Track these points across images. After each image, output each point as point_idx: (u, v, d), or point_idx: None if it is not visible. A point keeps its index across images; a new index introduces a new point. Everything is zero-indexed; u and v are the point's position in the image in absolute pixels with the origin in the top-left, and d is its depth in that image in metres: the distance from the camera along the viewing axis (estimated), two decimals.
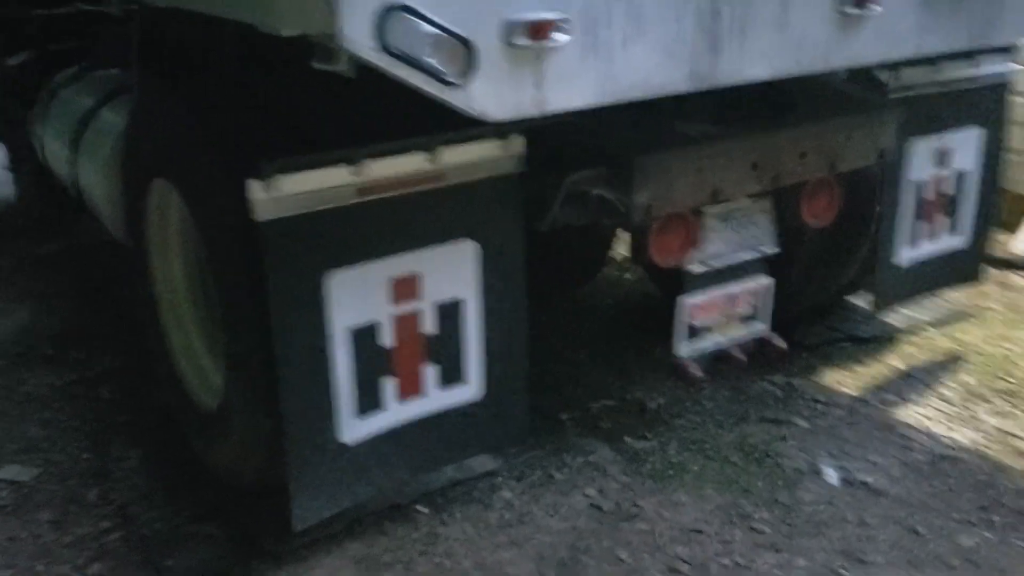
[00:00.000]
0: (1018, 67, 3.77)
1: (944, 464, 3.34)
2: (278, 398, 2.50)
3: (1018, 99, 4.39)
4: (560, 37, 2.06)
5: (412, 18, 1.87)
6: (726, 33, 2.30)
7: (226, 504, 3.09)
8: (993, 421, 3.60)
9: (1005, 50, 3.66)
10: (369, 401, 2.67)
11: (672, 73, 2.27)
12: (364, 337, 2.60)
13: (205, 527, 3.04)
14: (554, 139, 2.74)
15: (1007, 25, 2.90)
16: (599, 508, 3.15)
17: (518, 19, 2.01)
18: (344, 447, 2.65)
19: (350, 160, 2.42)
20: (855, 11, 2.46)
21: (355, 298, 2.55)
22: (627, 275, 4.96)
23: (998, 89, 3.78)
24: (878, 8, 2.49)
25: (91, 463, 3.42)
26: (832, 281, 3.99)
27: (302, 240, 2.42)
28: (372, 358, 2.63)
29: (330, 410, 2.59)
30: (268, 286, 2.41)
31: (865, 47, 2.57)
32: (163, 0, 2.58)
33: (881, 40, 2.59)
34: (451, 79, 1.95)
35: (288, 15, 1.90)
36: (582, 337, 4.32)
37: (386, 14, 1.84)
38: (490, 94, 2.03)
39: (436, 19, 1.90)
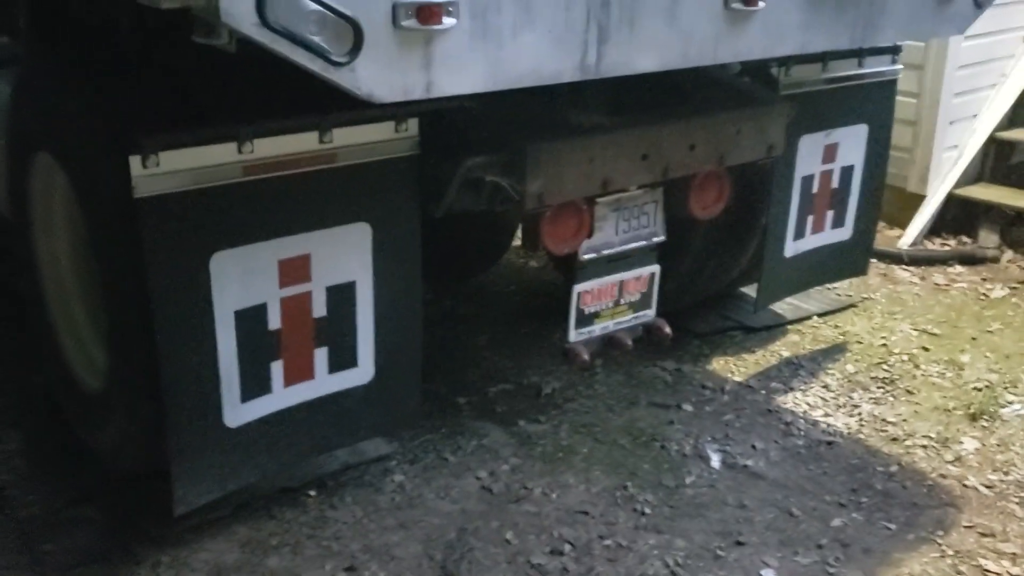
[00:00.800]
0: (902, 67, 3.92)
1: (821, 449, 3.47)
2: (160, 381, 2.46)
3: (903, 99, 4.57)
4: (449, 21, 2.06)
5: None
6: (615, 24, 2.34)
7: (107, 487, 3.03)
8: (869, 408, 3.75)
9: (891, 50, 3.81)
10: (255, 384, 2.64)
11: (562, 62, 2.29)
12: (250, 320, 2.57)
13: (85, 510, 2.97)
14: (450, 124, 2.75)
15: (889, 27, 3.01)
16: (489, 490, 3.18)
17: (406, 1, 2.00)
18: (229, 431, 2.62)
19: (236, 137, 2.38)
20: (741, 7, 2.52)
21: (241, 280, 2.52)
22: (532, 263, 5.01)
23: (885, 87, 3.92)
24: (763, 4, 2.55)
25: None
26: (723, 271, 4.09)
27: (185, 219, 2.38)
28: (258, 341, 2.60)
29: (214, 393, 2.56)
30: (149, 266, 2.36)
31: (751, 42, 2.63)
32: None
33: (766, 36, 2.65)
34: (336, 59, 1.94)
35: None
36: (483, 322, 4.35)
37: None
38: (377, 76, 2.02)
39: None
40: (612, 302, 3.15)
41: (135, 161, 2.25)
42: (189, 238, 2.40)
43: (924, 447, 3.51)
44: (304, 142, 2.51)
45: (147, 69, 2.74)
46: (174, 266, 2.39)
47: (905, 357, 4.14)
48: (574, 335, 3.12)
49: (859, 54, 3.66)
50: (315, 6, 1.87)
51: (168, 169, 2.30)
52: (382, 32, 2.00)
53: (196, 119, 2.40)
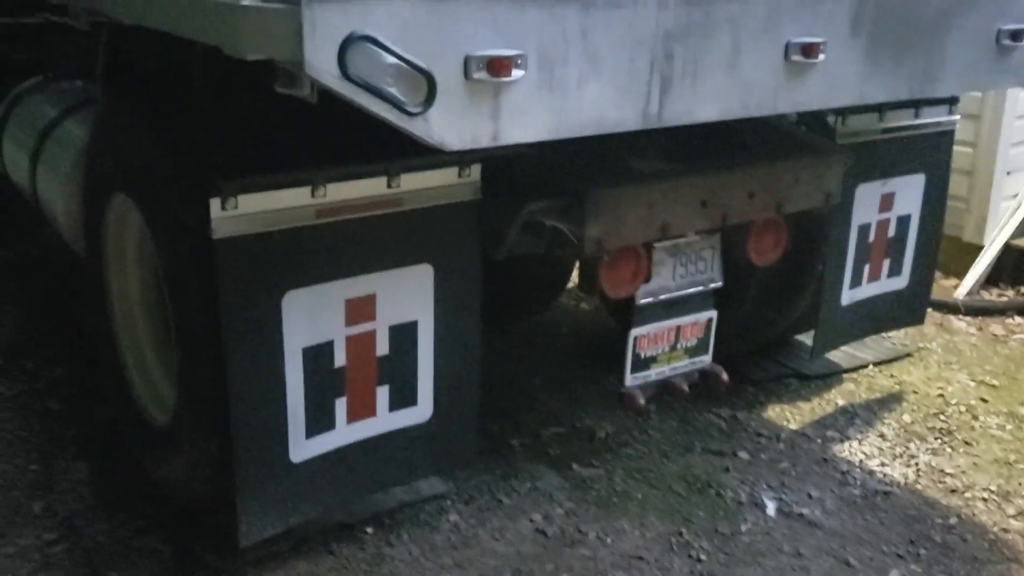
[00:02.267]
0: (959, 117, 3.92)
1: (878, 498, 3.44)
2: (229, 416, 2.53)
3: (960, 148, 4.56)
4: (518, 73, 2.13)
5: (375, 48, 1.93)
6: (678, 75, 2.39)
7: (172, 519, 3.09)
8: (926, 458, 3.71)
9: (949, 101, 3.82)
10: (320, 420, 2.70)
11: (624, 112, 2.34)
12: (317, 357, 2.64)
13: (150, 541, 3.04)
14: (512, 170, 2.82)
15: (948, 78, 3.03)
16: (544, 533, 3.19)
17: (478, 54, 2.08)
18: (293, 466, 2.67)
19: (310, 182, 2.47)
20: (801, 59, 2.56)
21: (310, 318, 2.59)
22: (584, 305, 5.04)
23: (942, 137, 3.92)
24: (823, 57, 2.59)
25: (38, 475, 3.41)
26: (779, 318, 4.09)
27: (259, 259, 2.46)
28: (324, 378, 2.67)
29: (281, 429, 2.62)
30: (223, 304, 2.44)
31: (810, 93, 2.67)
32: (131, 18, 2.61)
33: (826, 87, 2.69)
34: (411, 109, 2.01)
35: (254, 40, 1.95)
36: (536, 364, 4.39)
37: (350, 44, 1.89)
38: (448, 124, 2.09)
39: (398, 50, 1.96)
40: (669, 347, 3.18)
41: (215, 203, 2.35)
42: (263, 277, 2.48)
43: (984, 500, 3.46)
44: (373, 186, 2.60)
45: (222, 114, 2.85)
46: (247, 304, 2.48)
47: (963, 408, 4.09)
48: (630, 379, 3.15)
49: (917, 104, 3.68)
50: (393, 59, 1.95)
51: (245, 211, 2.39)
52: (454, 83, 2.07)
53: (270, 163, 2.50)
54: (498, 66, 2.10)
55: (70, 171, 3.62)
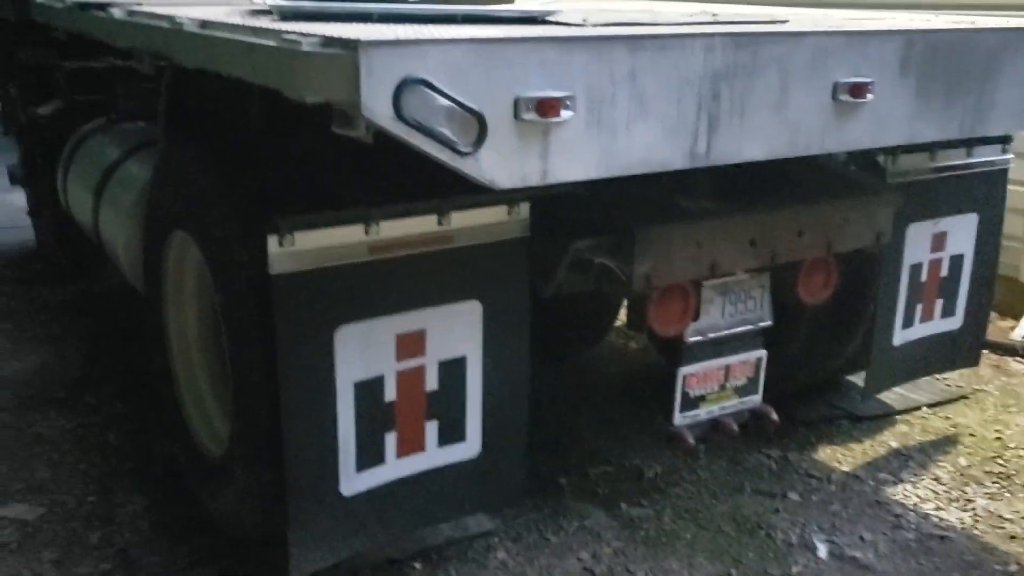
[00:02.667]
0: (1013, 156, 3.88)
1: (933, 543, 3.36)
2: (282, 448, 2.57)
3: (1015, 188, 4.50)
4: (567, 114, 2.18)
5: (429, 91, 1.99)
6: (725, 115, 2.42)
7: (225, 551, 3.14)
8: (983, 503, 3.63)
9: (1002, 140, 3.79)
10: (370, 454, 2.73)
11: (672, 151, 2.37)
12: (368, 391, 2.68)
13: (204, 572, 3.09)
14: (561, 208, 2.86)
15: (999, 117, 3.02)
16: (592, 572, 3.18)
17: (528, 95, 2.13)
18: (344, 499, 2.70)
19: (364, 219, 2.54)
20: (849, 99, 2.58)
21: (362, 352, 2.63)
22: (632, 344, 5.04)
23: (995, 176, 3.88)
24: (871, 97, 2.60)
25: (96, 506, 3.48)
26: (830, 358, 4.05)
27: (314, 294, 2.52)
28: (375, 412, 2.70)
29: (332, 462, 2.65)
30: (279, 338, 2.50)
31: (859, 132, 2.68)
32: (192, 62, 2.72)
33: (874, 126, 2.69)
34: (463, 149, 2.06)
35: (313, 84, 2.02)
36: (584, 402, 4.39)
37: (405, 87, 1.95)
38: (498, 164, 2.14)
39: (451, 93, 2.01)
40: (718, 386, 3.17)
41: (272, 240, 2.41)
42: (317, 312, 2.54)
43: None
44: (424, 224, 2.65)
45: (279, 153, 2.94)
46: (302, 338, 2.53)
47: (1022, 452, 4.00)
48: (679, 418, 3.14)
49: (968, 143, 3.65)
50: (446, 101, 2.00)
51: (301, 248, 2.46)
52: (504, 124, 2.12)
53: (325, 202, 2.57)
54: (547, 107, 2.14)
55: (131, 209, 3.74)
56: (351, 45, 1.91)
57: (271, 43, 2.16)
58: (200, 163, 3.10)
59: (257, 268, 2.47)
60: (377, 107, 1.94)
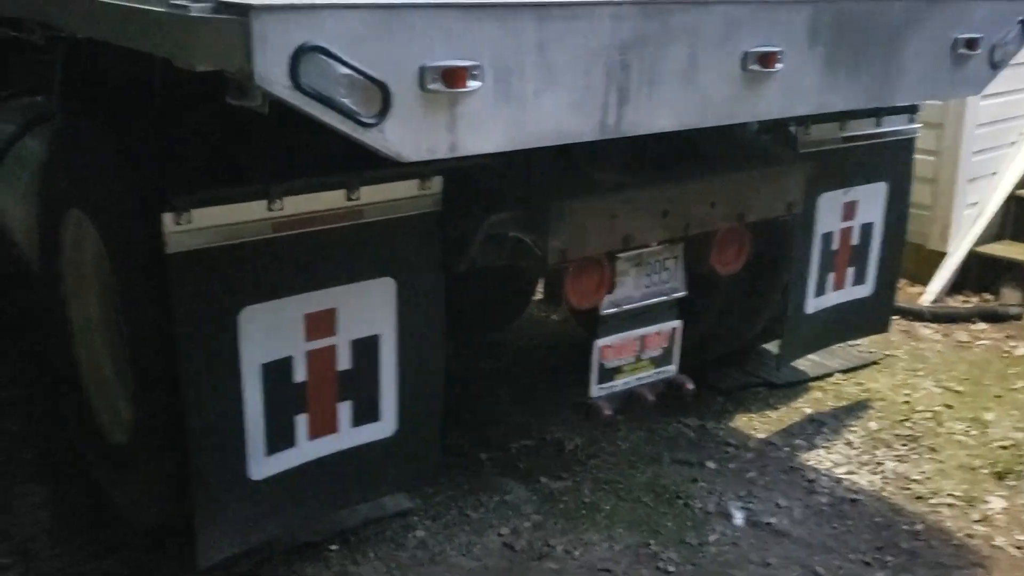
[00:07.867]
0: (920, 126, 3.96)
1: (845, 506, 3.44)
2: (186, 433, 2.48)
3: (923, 157, 4.61)
4: (474, 84, 2.12)
5: (328, 59, 1.90)
6: (635, 85, 2.39)
7: (130, 542, 3.04)
8: (892, 465, 3.72)
9: (909, 109, 3.85)
10: (280, 437, 2.66)
11: (581, 122, 2.33)
12: (277, 373, 2.60)
13: (107, 565, 2.99)
14: (474, 181, 2.80)
15: (906, 87, 3.05)
16: (511, 547, 3.17)
17: (433, 64, 2.06)
18: (253, 483, 2.63)
19: (266, 195, 2.44)
20: (759, 69, 2.57)
21: (269, 333, 2.56)
22: (553, 317, 5.03)
23: (903, 146, 3.95)
24: (780, 67, 2.60)
25: None
26: (745, 327, 4.10)
27: (215, 274, 2.43)
28: (284, 394, 2.63)
29: (240, 446, 2.58)
30: (177, 320, 2.40)
31: (768, 102, 2.67)
32: (83, 31, 2.57)
33: (784, 96, 2.69)
34: (366, 120, 1.99)
35: (203, 51, 1.92)
36: (504, 377, 4.36)
37: (301, 54, 1.87)
38: (404, 135, 2.07)
39: (351, 61, 1.94)
40: (634, 357, 3.17)
41: (168, 218, 2.31)
42: (219, 292, 2.44)
43: (950, 506, 3.47)
44: (332, 199, 2.57)
45: (177, 128, 2.82)
46: (203, 320, 2.44)
47: (928, 415, 4.11)
48: (596, 390, 3.14)
49: (877, 113, 3.70)
50: (346, 69, 1.92)
51: (199, 225, 2.36)
52: (409, 94, 2.05)
53: (226, 177, 2.47)
54: (454, 77, 2.08)
55: (28, 187, 3.57)
56: (242, 10, 1.81)
57: (159, 8, 2.05)
58: (95, 138, 2.96)
59: (154, 247, 2.37)
60: (272, 76, 1.85)
